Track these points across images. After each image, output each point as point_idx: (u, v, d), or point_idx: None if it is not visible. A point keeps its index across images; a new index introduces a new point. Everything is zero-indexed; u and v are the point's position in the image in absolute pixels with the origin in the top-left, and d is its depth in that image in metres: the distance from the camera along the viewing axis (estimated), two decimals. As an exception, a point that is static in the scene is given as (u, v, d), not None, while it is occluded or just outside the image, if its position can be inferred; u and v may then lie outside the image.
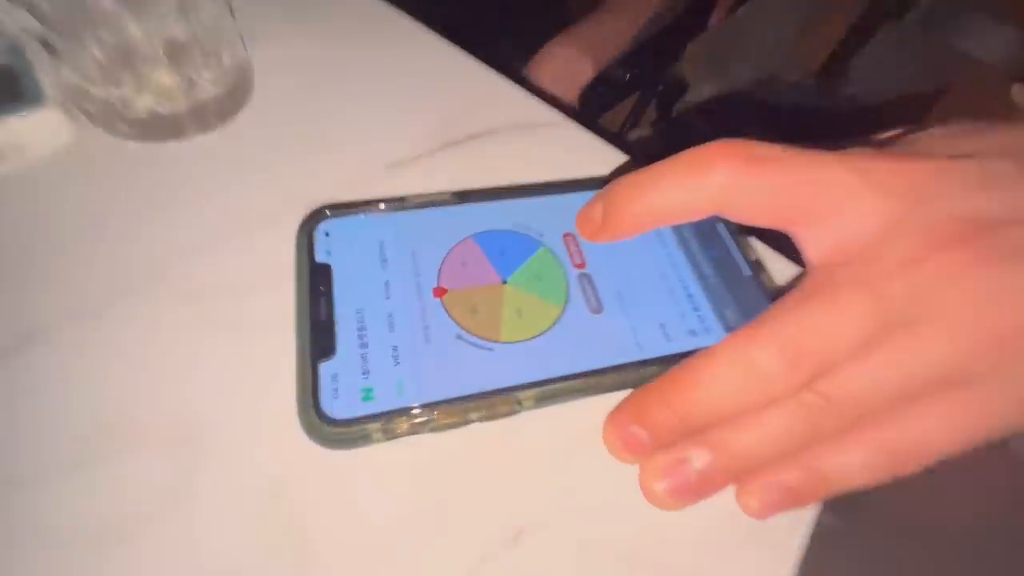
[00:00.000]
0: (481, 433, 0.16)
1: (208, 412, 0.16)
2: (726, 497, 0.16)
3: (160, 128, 0.21)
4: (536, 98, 0.25)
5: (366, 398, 0.15)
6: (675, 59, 0.69)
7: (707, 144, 0.16)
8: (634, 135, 0.57)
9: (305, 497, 0.15)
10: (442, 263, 0.18)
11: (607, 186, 0.17)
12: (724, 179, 0.15)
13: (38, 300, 0.17)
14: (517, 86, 0.25)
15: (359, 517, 0.15)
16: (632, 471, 0.16)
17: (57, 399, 0.16)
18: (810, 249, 0.15)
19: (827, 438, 0.14)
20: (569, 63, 0.53)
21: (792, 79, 0.66)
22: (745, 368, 0.14)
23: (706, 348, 0.15)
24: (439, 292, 0.18)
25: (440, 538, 0.15)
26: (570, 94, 0.54)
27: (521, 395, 0.16)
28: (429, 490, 0.15)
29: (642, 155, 0.24)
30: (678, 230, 0.20)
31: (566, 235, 0.20)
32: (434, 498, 0.15)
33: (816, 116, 0.61)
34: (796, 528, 0.16)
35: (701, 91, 0.81)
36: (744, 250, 0.20)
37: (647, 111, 0.72)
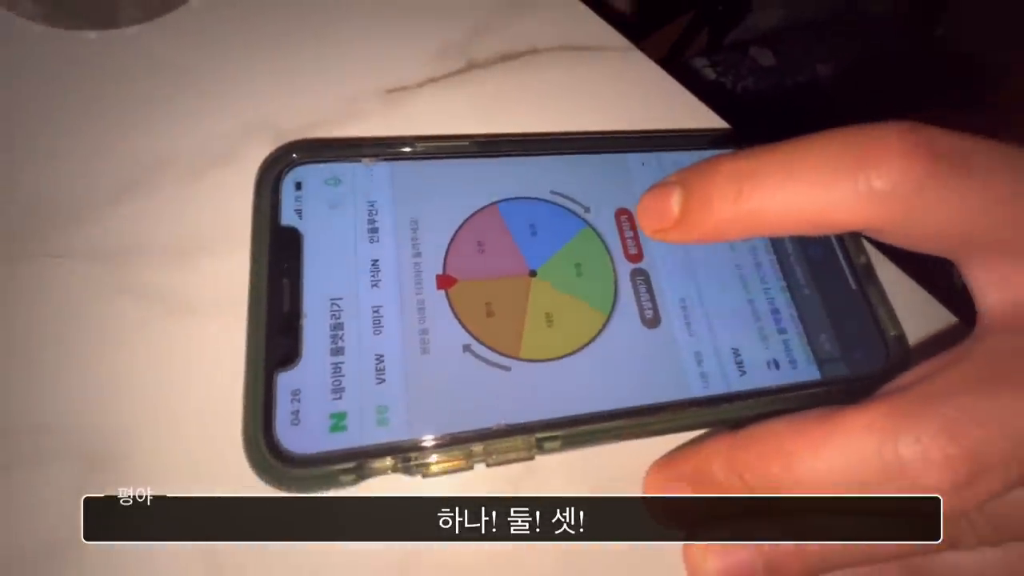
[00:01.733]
0: (486, 478, 0.12)
1: (128, 423, 0.12)
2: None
3: (80, 6, 0.15)
4: (593, 13, 0.19)
5: (336, 427, 0.11)
6: (742, -26, 0.59)
7: (871, 126, 0.10)
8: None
9: (250, 551, 0.11)
10: (452, 240, 0.14)
11: (694, 166, 0.12)
12: (895, 183, 0.10)
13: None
14: (569, -9, 0.19)
15: (321, 577, 0.11)
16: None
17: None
18: (994, 293, 0.11)
19: (958, 549, 0.11)
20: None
21: (877, 10, 0.56)
22: (883, 468, 0.09)
23: (818, 412, 0.11)
24: (445, 281, 0.13)
25: (424, 611, 0.11)
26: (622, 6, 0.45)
27: (544, 436, 0.12)
28: (415, 550, 0.12)
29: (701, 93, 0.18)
30: (768, 218, 0.15)
31: (620, 212, 0.15)
32: (421, 562, 0.12)
33: (899, 61, 0.52)
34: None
35: (765, 17, 0.70)
36: (851, 251, 0.15)
37: (700, 35, 0.62)
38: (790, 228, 0.11)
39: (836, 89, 0.50)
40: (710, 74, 0.51)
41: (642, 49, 0.19)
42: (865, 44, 0.54)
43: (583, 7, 0.19)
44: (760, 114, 0.45)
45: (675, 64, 0.49)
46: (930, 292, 0.16)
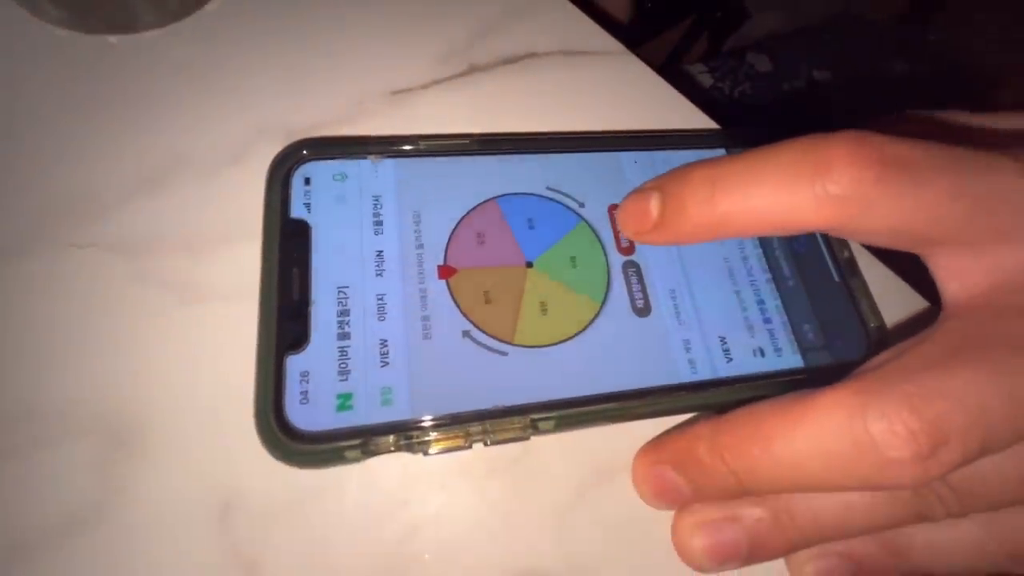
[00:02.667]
0: (483, 458, 0.13)
1: (147, 402, 0.13)
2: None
3: (101, 12, 0.16)
4: (590, 19, 0.19)
5: (342, 407, 0.12)
6: (740, -19, 0.59)
7: (824, 136, 0.11)
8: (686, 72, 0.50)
9: (261, 520, 0.12)
10: (452, 233, 0.14)
11: (670, 172, 0.13)
12: (848, 188, 0.10)
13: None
14: (567, 1, 0.20)
15: (326, 550, 0.12)
16: (662, 515, 0.13)
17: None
18: (953, 282, 0.11)
19: (928, 521, 0.11)
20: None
21: (873, 17, 0.56)
22: (854, 442, 0.10)
23: (794, 396, 0.11)
24: (446, 272, 0.14)
25: (424, 581, 0.12)
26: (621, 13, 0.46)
27: (538, 417, 0.12)
28: (416, 522, 0.12)
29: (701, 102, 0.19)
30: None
31: (613, 207, 0.15)
32: (421, 532, 0.12)
33: (895, 66, 0.53)
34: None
35: (763, 23, 0.70)
36: (835, 246, 0.16)
37: (698, 42, 0.63)
38: (759, 230, 0.12)
39: (832, 95, 0.51)
40: (707, 80, 0.52)
41: (641, 54, 0.19)
42: (861, 50, 0.55)
43: (580, 13, 0.20)
44: (754, 119, 0.46)
45: (672, 70, 0.50)
46: (912, 286, 0.17)
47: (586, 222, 0.15)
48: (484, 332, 0.13)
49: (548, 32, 0.19)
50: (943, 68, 0.53)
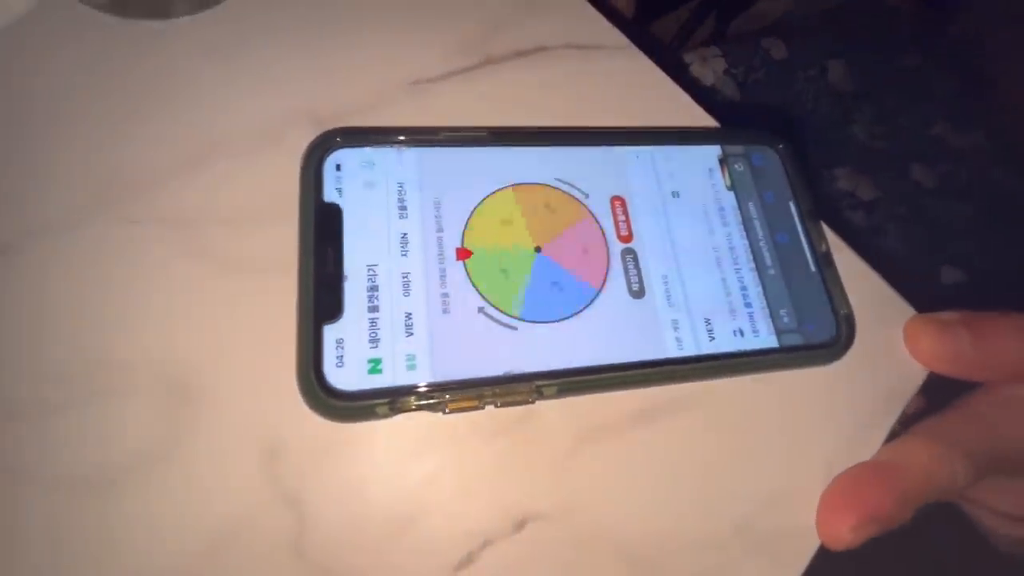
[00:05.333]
0: (494, 417, 0.15)
1: (200, 360, 0.14)
2: (738, 509, 0.15)
3: (142, 0, 0.17)
4: (599, 14, 0.20)
5: (373, 370, 0.14)
6: (749, -40, 0.59)
7: None
8: (688, 59, 0.50)
9: (303, 463, 0.14)
10: (469, 219, 0.16)
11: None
12: None
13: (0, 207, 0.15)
14: (578, -7, 0.21)
15: (359, 490, 0.14)
16: (647, 472, 0.15)
17: (31, 327, 0.14)
18: None
19: None
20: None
21: (890, 3, 0.56)
22: None
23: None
24: (463, 254, 0.15)
25: (442, 520, 0.14)
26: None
27: (542, 384, 0.14)
28: (435, 469, 0.14)
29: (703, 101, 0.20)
30: (745, 205, 0.18)
31: (614, 199, 0.17)
32: (439, 478, 0.14)
33: (909, 58, 0.53)
34: (805, 548, 0.15)
35: (772, 3, 0.70)
36: (814, 238, 0.17)
37: (706, 21, 0.63)
38: None
39: (844, 85, 0.51)
40: (721, 64, 0.52)
41: (650, 32, 0.20)
42: (876, 38, 0.55)
43: (589, 8, 0.21)
44: (752, 117, 0.47)
45: (679, 58, 0.50)
46: (883, 277, 0.19)
47: (589, 211, 0.17)
48: (497, 308, 0.15)
49: (558, 26, 0.20)
50: (958, 65, 0.53)
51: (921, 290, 0.19)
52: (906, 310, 0.18)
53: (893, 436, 0.17)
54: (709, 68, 0.50)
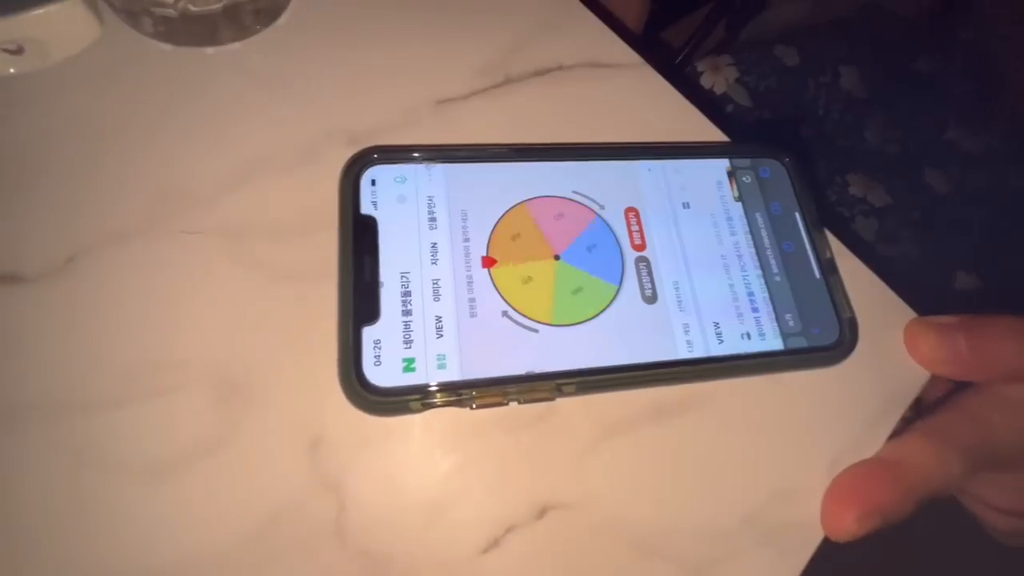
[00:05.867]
0: (517, 412, 0.16)
1: (250, 358, 0.16)
2: (746, 502, 0.16)
3: (192, 29, 0.19)
4: (613, 34, 0.22)
5: (407, 369, 0.15)
6: (760, -32, 0.59)
7: None
8: (702, 67, 0.51)
9: (343, 454, 0.15)
10: (493, 229, 0.17)
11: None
12: None
13: (67, 220, 0.17)
14: (592, 15, 0.22)
15: (394, 478, 0.15)
16: (660, 466, 0.16)
17: (98, 328, 0.16)
18: None
19: None
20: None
21: (901, 11, 0.56)
22: None
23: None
24: (488, 262, 0.17)
25: (470, 506, 0.15)
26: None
27: (562, 383, 0.15)
28: (463, 461, 0.16)
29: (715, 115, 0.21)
30: (752, 216, 0.19)
31: (628, 210, 0.18)
32: (467, 469, 0.16)
33: (921, 64, 0.53)
34: (810, 539, 0.16)
35: (783, 11, 0.70)
36: (819, 246, 0.18)
37: (717, 28, 0.63)
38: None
39: (857, 91, 0.52)
40: (733, 73, 0.53)
41: (662, 41, 0.21)
42: (888, 45, 0.55)
43: (604, 27, 0.22)
44: (759, 131, 0.47)
45: (690, 67, 0.51)
46: (887, 283, 0.19)
47: (605, 222, 0.18)
48: (520, 313, 0.16)
49: (574, 46, 0.21)
50: (970, 69, 0.53)
51: (934, 295, 0.20)
52: (909, 314, 0.19)
53: (895, 434, 0.17)
54: (722, 76, 0.51)
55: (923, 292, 0.19)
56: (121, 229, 0.17)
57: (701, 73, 0.51)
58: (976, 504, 0.21)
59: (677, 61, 0.55)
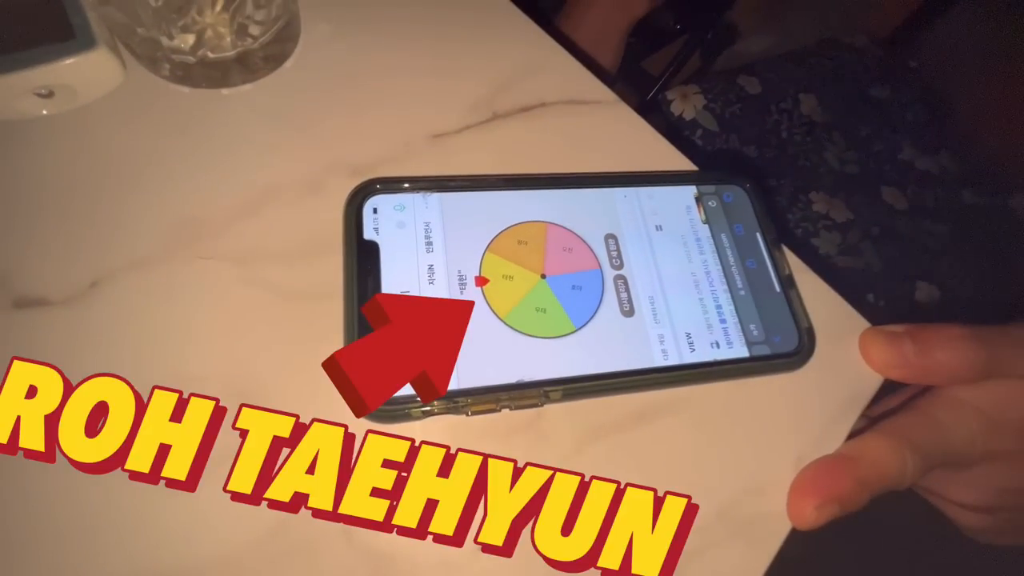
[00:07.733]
0: (508, 419, 0.17)
1: (260, 372, 0.17)
2: (720, 497, 0.18)
3: (207, 73, 0.20)
4: (591, 74, 0.24)
5: (408, 380, 0.16)
6: (729, 5, 0.64)
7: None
8: (674, 96, 0.54)
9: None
10: (485, 252, 0.19)
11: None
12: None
13: (91, 248, 0.18)
14: (571, 57, 0.24)
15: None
16: (640, 464, 0.18)
17: (120, 347, 0.17)
18: None
19: None
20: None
21: (857, 44, 0.61)
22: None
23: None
24: (481, 281, 0.18)
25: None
26: (618, 34, 0.50)
27: (550, 390, 0.17)
28: (457, 464, 0.17)
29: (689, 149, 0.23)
30: (718, 237, 0.21)
31: (608, 236, 0.20)
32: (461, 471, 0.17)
33: (876, 90, 0.58)
34: (779, 530, 0.18)
35: (751, 44, 0.75)
36: (778, 264, 0.20)
37: (691, 61, 0.68)
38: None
39: (816, 116, 0.56)
40: (700, 101, 0.56)
41: (640, 69, 0.24)
42: (845, 74, 0.60)
43: (582, 69, 0.24)
44: (723, 160, 0.51)
45: (659, 99, 0.54)
46: (851, 293, 0.21)
47: (586, 243, 0.20)
48: (510, 327, 0.18)
49: (556, 85, 0.24)
50: (921, 95, 0.58)
51: (897, 304, 0.22)
52: (863, 324, 0.21)
53: (855, 433, 0.19)
54: (690, 103, 0.55)
55: (887, 301, 0.21)
56: (142, 256, 0.18)
57: (671, 101, 0.54)
58: (943, 503, 0.23)
59: (649, 96, 0.59)
